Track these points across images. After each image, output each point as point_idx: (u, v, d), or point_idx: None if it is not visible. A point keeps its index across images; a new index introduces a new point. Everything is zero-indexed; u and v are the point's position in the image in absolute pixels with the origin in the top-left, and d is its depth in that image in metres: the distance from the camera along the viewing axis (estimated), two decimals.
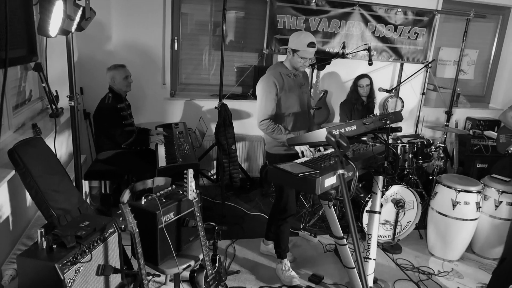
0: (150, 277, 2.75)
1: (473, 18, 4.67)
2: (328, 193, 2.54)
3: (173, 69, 4.65)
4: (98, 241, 1.98)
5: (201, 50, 4.78)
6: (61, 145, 3.52)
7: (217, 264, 2.54)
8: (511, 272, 2.59)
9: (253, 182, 4.75)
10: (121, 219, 2.01)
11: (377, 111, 5.03)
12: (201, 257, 2.49)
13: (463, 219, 3.39)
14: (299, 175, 2.32)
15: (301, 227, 3.84)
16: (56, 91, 3.31)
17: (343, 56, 4.69)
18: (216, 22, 4.69)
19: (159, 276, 2.65)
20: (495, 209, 3.45)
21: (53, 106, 3.16)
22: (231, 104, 4.55)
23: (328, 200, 2.65)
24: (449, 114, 4.96)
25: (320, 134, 2.44)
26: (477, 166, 4.80)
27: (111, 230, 2.08)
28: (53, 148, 2.56)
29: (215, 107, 4.40)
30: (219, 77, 4.34)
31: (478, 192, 3.40)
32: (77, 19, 2.41)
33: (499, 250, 3.60)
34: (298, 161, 2.57)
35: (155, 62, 4.45)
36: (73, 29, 2.39)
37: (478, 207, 3.41)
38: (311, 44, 2.77)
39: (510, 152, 4.17)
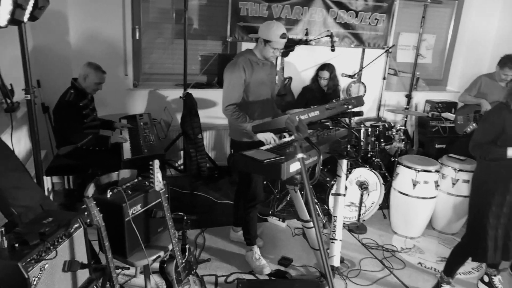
0: (119, 270, 2.73)
1: (430, 4, 4.80)
2: (294, 178, 2.60)
3: (135, 59, 4.55)
4: (63, 237, 1.94)
5: (164, 38, 4.69)
6: (18, 141, 3.39)
7: (186, 254, 2.54)
8: (468, 246, 2.73)
9: (221, 170, 4.76)
10: (86, 213, 1.97)
11: (341, 96, 5.13)
12: (170, 247, 2.49)
13: (423, 198, 3.55)
14: (265, 161, 2.36)
15: (270, 212, 3.90)
16: (11, 84, 3.17)
17: (306, 42, 4.74)
18: (178, 10, 4.61)
19: (128, 269, 2.64)
20: (453, 187, 3.62)
21: (8, 100, 3.03)
22: (196, 93, 4.51)
23: (294, 185, 2.72)
24: (409, 97, 5.11)
25: (284, 120, 2.48)
26: (436, 146, 5.00)
27: (76, 225, 2.04)
28: (10, 144, 2.47)
29: (180, 97, 4.35)
30: (183, 66, 4.29)
31: (437, 171, 3.56)
32: (29, 8, 2.31)
33: (458, 226, 3.80)
34: (264, 148, 2.60)
35: (117, 52, 4.34)
36: (25, 19, 2.29)
37: (437, 186, 3.57)
38: (284, 35, 2.82)
39: (467, 132, 4.36)
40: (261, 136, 2.85)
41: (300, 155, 1.63)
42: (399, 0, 5.05)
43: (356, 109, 2.94)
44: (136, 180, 2.50)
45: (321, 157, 2.58)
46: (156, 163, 2.32)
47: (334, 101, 2.83)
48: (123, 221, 2.27)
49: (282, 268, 3.15)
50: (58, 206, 3.75)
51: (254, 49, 2.94)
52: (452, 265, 2.86)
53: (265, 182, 4.29)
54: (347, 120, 3.03)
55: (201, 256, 3.23)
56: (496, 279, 2.96)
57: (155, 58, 4.72)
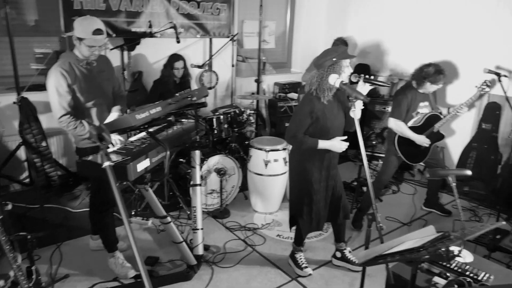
0: None
1: None
2: (143, 177, 2.57)
3: None
4: None
5: None
6: None
7: (34, 276, 2.33)
8: (298, 221, 3.05)
9: (76, 177, 4.43)
10: None
11: (194, 86, 5.18)
12: (12, 273, 2.25)
13: (275, 175, 3.84)
14: (104, 165, 2.27)
15: (132, 213, 3.78)
16: None
17: (151, 35, 4.63)
18: None
19: None
20: None
21: None
22: (34, 96, 4.08)
23: (144, 184, 2.69)
24: (258, 82, 5.42)
25: (127, 119, 2.40)
26: (286, 125, 5.40)
27: None
28: None
29: (14, 102, 3.89)
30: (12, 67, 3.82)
31: (284, 149, 3.88)
32: None
33: None
34: (109, 150, 2.49)
35: None
36: None
37: (286, 162, 3.89)
38: (98, 31, 2.62)
39: None
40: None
41: (106, 164, 1.59)
42: None
43: (201, 100, 3.01)
44: None
45: (168, 152, 2.60)
46: None
47: (177, 94, 2.86)
48: None
49: (149, 267, 3.11)
50: None
51: (75, 50, 2.73)
52: (297, 235, 3.15)
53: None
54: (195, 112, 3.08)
55: (58, 274, 3.00)
56: (347, 251, 3.26)
57: None
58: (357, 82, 2.56)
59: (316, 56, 2.72)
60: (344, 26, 5.95)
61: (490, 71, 3.57)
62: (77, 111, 2.71)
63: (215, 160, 3.84)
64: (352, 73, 2.65)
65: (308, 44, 6.28)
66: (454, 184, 1.90)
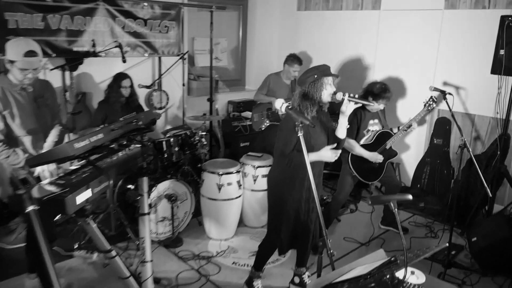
0: None
1: (216, 10, 5.16)
2: (84, 209, 2.49)
3: None
4: None
5: None
6: None
7: None
8: (269, 242, 3.05)
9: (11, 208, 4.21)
10: None
11: (145, 108, 5.11)
12: None
13: (229, 199, 3.85)
14: (44, 198, 2.19)
15: (75, 246, 3.65)
16: None
17: (95, 54, 4.56)
18: None
19: None
20: (254, 183, 4.02)
21: None
22: None
23: (85, 217, 2.61)
24: (211, 101, 5.43)
25: (65, 149, 2.34)
26: (241, 145, 5.47)
27: None
28: None
29: None
30: None
31: (238, 171, 3.90)
32: None
33: (264, 218, 4.21)
34: (45, 182, 2.41)
35: None
36: None
37: (240, 185, 3.91)
38: (30, 53, 2.56)
39: (262, 129, 4.89)
40: (39, 169, 2.63)
41: (30, 208, 1.54)
42: (186, 7, 5.30)
43: (149, 122, 2.99)
44: None
45: (111, 181, 2.55)
46: None
47: (121, 119, 2.82)
48: None
49: None
50: None
51: (9, 73, 2.64)
52: (259, 259, 3.17)
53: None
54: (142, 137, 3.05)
55: None
56: (306, 277, 3.27)
57: None
58: (342, 101, 2.64)
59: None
60: (297, 42, 6.12)
61: (435, 89, 3.79)
62: (10, 139, 2.62)
63: (166, 186, 3.79)
64: (335, 92, 2.72)
65: (262, 60, 6.41)
66: (396, 210, 1.98)
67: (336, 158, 2.77)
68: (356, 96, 2.67)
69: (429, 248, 1.75)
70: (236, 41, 6.44)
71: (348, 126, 2.80)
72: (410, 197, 2.07)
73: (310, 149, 2.72)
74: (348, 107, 2.65)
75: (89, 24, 4.50)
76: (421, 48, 4.90)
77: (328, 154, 2.74)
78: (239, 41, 6.44)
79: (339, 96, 2.69)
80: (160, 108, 5.28)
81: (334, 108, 5.97)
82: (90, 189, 2.39)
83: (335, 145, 2.79)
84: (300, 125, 2.18)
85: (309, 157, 2.54)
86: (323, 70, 2.71)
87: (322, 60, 5.87)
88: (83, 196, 2.32)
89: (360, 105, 2.69)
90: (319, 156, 2.75)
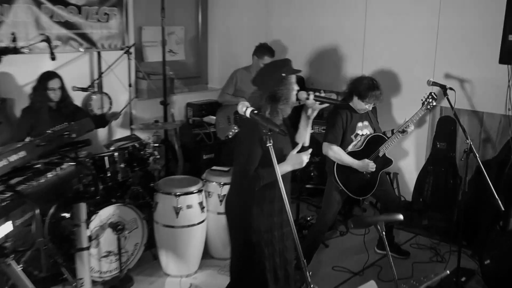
0: None
1: None
2: (3, 247, 2.45)
3: None
4: None
5: None
6: None
7: None
8: (245, 283, 3.00)
9: None
10: None
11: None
12: None
13: (190, 225, 3.83)
14: None
15: None
16: None
17: (16, 51, 4.48)
18: None
19: None
20: (220, 204, 4.00)
21: None
22: None
23: (4, 256, 2.55)
24: (165, 104, 5.41)
25: None
26: (204, 158, 5.46)
27: None
28: None
29: None
30: None
31: (200, 191, 3.89)
32: None
33: None
34: None
35: None
36: None
37: (202, 207, 3.90)
38: None
39: (229, 137, 4.90)
40: None
41: None
42: None
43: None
44: None
45: (38, 210, 2.51)
46: None
47: (49, 131, 2.79)
48: None
49: None
50: None
51: None
52: None
53: None
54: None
55: None
56: None
57: None
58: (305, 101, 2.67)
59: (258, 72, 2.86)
60: (269, 30, 6.17)
61: (434, 83, 3.88)
62: None
63: (109, 212, 3.74)
64: (298, 90, 2.74)
65: (227, 52, 6.42)
66: (383, 233, 2.01)
67: (307, 161, 2.71)
68: (323, 93, 2.71)
69: (426, 277, 1.79)
70: (194, 30, 6.45)
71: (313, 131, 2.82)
72: (400, 217, 2.10)
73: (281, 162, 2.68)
74: (314, 109, 2.69)
75: (8, 14, 4.43)
76: (417, 35, 4.98)
77: (298, 159, 2.68)
78: (198, 30, 6.46)
79: (302, 95, 2.72)
80: (102, 116, 5.19)
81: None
82: (10, 222, 2.36)
83: (299, 146, 2.72)
84: (269, 133, 2.20)
85: (281, 169, 2.51)
86: (290, 66, 2.73)
87: (299, 50, 6.01)
88: (1, 231, 2.29)
89: (327, 105, 2.73)
90: (291, 165, 2.70)
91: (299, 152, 2.69)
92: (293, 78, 2.72)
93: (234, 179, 2.92)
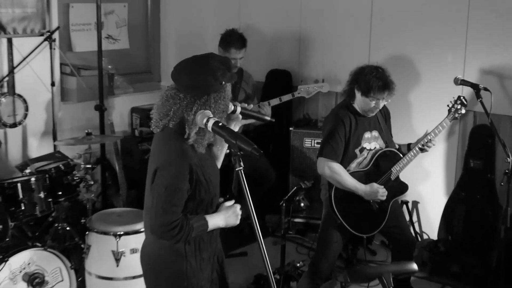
0: None
1: None
2: None
3: None
4: None
5: None
6: None
7: None
8: None
9: None
10: None
11: None
12: None
13: (135, 277, 3.87)
14: None
15: None
16: None
17: None
18: None
19: None
20: None
21: None
22: None
23: None
24: (101, 109, 5.42)
25: None
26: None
27: None
28: None
29: None
30: None
31: None
32: None
33: None
34: None
35: None
36: None
37: None
38: None
39: None
40: None
41: None
42: None
43: None
44: None
45: None
46: None
47: None
48: None
49: None
50: None
51: None
52: None
53: None
54: None
55: None
56: None
57: None
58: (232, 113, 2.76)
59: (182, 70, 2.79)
60: (241, 11, 6.29)
61: (463, 82, 3.95)
62: None
63: (24, 260, 3.77)
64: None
65: (187, 40, 6.47)
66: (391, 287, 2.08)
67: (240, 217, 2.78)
68: (251, 106, 2.78)
69: None
70: (142, 9, 6.50)
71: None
72: (414, 267, 2.16)
73: (210, 198, 2.71)
74: (236, 126, 2.75)
75: None
76: (442, 16, 5.06)
77: (233, 214, 2.74)
78: (147, 9, 6.51)
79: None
80: (13, 126, 5.19)
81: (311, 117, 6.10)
82: None
83: (232, 202, 2.79)
84: (239, 153, 2.22)
85: (211, 222, 2.62)
86: (230, 71, 2.69)
87: (283, 37, 6.03)
88: None
89: (252, 120, 2.82)
90: (224, 220, 2.72)
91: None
92: (229, 86, 2.70)
93: (149, 227, 2.77)
